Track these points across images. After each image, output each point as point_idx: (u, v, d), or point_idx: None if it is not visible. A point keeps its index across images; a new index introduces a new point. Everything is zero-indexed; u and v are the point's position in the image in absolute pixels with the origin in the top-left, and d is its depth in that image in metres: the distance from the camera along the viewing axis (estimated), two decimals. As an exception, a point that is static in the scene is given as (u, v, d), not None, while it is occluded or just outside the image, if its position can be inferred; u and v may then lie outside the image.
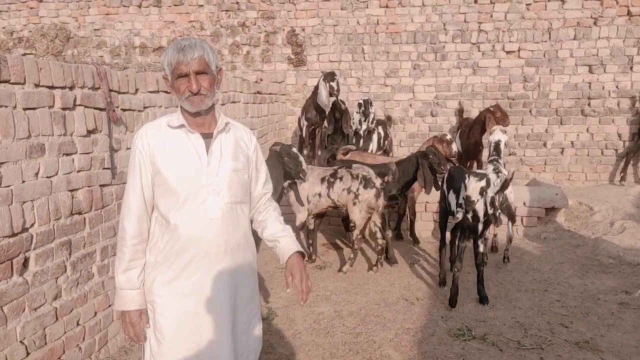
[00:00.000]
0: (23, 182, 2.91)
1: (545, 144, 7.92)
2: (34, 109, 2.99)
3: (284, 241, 2.14)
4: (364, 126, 6.77)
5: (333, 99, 6.75)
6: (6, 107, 2.78)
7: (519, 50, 7.85)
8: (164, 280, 1.99)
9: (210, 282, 1.99)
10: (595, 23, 7.67)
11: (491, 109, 6.69)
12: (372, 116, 6.76)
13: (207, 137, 2.01)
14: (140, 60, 8.56)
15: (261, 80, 8.02)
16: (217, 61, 2.02)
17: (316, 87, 6.72)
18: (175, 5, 8.56)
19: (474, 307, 4.41)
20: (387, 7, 8.09)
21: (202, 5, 8.52)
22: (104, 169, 3.62)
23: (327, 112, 6.78)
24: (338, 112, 6.81)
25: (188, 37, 2.09)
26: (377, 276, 5.18)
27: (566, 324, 4.06)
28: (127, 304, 2.00)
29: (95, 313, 3.52)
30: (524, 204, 6.36)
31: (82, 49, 8.71)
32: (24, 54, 8.56)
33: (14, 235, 2.84)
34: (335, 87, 6.53)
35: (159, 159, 1.96)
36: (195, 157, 1.97)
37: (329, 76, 6.61)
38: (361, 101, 6.75)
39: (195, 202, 1.95)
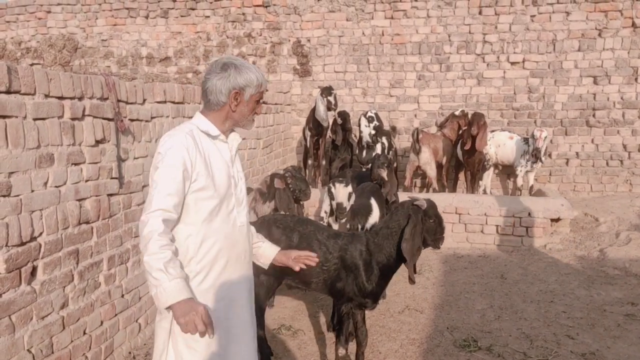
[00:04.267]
0: (32, 191, 2.93)
1: (550, 155, 7.92)
2: (43, 119, 3.02)
3: (266, 244, 2.38)
4: (372, 139, 6.78)
5: (332, 113, 6.80)
6: (16, 117, 2.82)
7: (523, 61, 7.88)
8: (202, 290, 1.99)
9: (236, 286, 2.10)
10: (599, 34, 7.70)
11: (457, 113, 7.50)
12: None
13: None
14: (147, 71, 8.64)
15: (267, 90, 8.05)
16: None
17: None
18: (182, 16, 8.65)
19: (479, 317, 4.39)
20: (392, 18, 8.15)
21: (208, 16, 8.60)
22: (112, 178, 3.65)
23: (324, 126, 6.85)
24: (348, 124, 6.85)
25: (238, 58, 2.16)
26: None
27: (572, 335, 4.04)
28: (178, 294, 1.76)
29: (102, 322, 3.53)
30: (529, 214, 6.35)
31: (90, 59, 8.80)
32: (32, 64, 8.65)
33: (22, 244, 2.86)
34: (333, 102, 6.59)
35: (199, 164, 1.94)
36: (226, 166, 2.06)
37: (326, 90, 6.67)
38: (372, 115, 6.74)
39: (227, 209, 2.05)
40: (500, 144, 7.54)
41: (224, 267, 2.05)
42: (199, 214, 1.97)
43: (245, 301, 2.14)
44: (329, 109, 6.66)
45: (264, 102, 7.02)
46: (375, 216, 4.39)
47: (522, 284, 5.20)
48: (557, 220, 6.45)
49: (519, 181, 7.42)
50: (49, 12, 8.80)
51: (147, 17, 8.70)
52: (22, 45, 8.81)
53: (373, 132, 6.70)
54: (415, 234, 3.01)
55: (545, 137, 7.06)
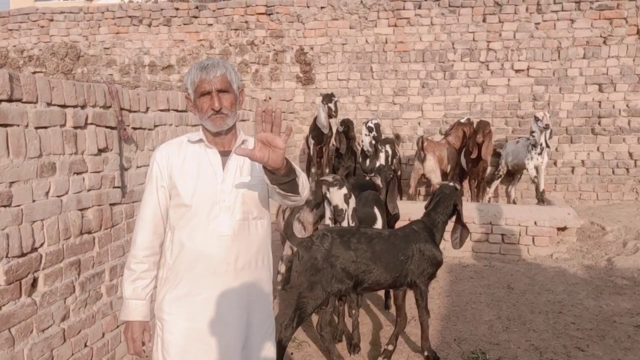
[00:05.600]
0: (33, 201, 2.89)
1: (555, 163, 7.86)
2: (45, 127, 2.98)
3: None
4: (372, 148, 6.76)
5: (333, 120, 6.77)
6: (18, 126, 2.77)
7: (528, 69, 7.85)
8: (173, 297, 1.98)
9: (219, 301, 1.96)
10: (604, 42, 7.66)
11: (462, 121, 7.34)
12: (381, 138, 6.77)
13: (225, 154, 2.02)
14: (150, 79, 8.62)
15: (270, 98, 8.03)
16: (239, 81, 2.04)
17: None
18: (184, 24, 8.64)
19: (487, 329, 4.31)
20: (395, 26, 8.13)
21: (211, 24, 8.59)
22: (114, 187, 3.60)
23: (325, 134, 6.80)
24: (351, 132, 6.81)
25: (212, 58, 2.09)
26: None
27: (582, 347, 3.96)
28: (130, 314, 1.99)
29: (103, 334, 3.46)
30: (535, 223, 6.28)
31: (92, 67, 8.78)
32: (34, 72, 8.64)
33: (23, 255, 2.81)
34: (333, 108, 6.56)
35: (176, 173, 1.98)
36: (211, 172, 1.97)
37: (327, 97, 6.64)
38: (372, 125, 6.70)
39: (206, 218, 1.94)
40: (509, 152, 7.49)
41: (198, 278, 1.95)
42: (173, 221, 1.99)
43: (233, 317, 1.96)
44: (329, 116, 6.62)
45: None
46: (379, 224, 4.32)
47: (530, 294, 5.13)
48: (564, 229, 6.37)
49: (532, 174, 7.09)
50: (51, 20, 8.79)
51: (149, 25, 8.69)
52: (25, 53, 8.80)
53: (373, 141, 6.66)
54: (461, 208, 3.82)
55: (549, 117, 6.83)
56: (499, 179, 7.75)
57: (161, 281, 2.02)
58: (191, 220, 1.95)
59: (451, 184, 3.91)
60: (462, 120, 7.71)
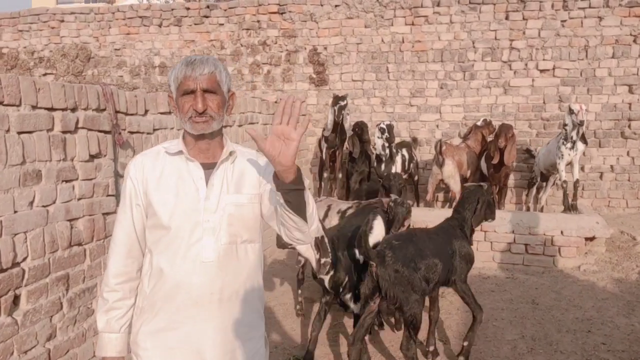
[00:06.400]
0: (15, 212, 2.68)
1: (583, 168, 7.48)
2: (30, 132, 2.77)
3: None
4: (387, 151, 6.50)
5: (347, 124, 6.56)
6: (-3, 130, 2.55)
7: (553, 69, 7.52)
8: (149, 330, 1.72)
9: (201, 335, 1.70)
10: (634, 41, 7.30)
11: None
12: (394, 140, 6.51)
13: (210, 167, 1.74)
14: (160, 80, 8.46)
15: (281, 100, 7.81)
16: (230, 83, 1.78)
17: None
18: (195, 24, 8.47)
19: (510, 350, 4.00)
20: (412, 24, 7.86)
21: (222, 24, 8.40)
22: (108, 195, 3.39)
23: (343, 138, 6.59)
24: (365, 135, 6.55)
25: (200, 55, 1.81)
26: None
27: (615, 372, 3.63)
28: (104, 348, 1.76)
29: (94, 353, 3.23)
30: (562, 233, 5.92)
31: (102, 69, 8.65)
32: (45, 74, 8.53)
33: (2, 271, 2.60)
34: (336, 112, 6.45)
35: (152, 189, 1.71)
36: (193, 189, 1.71)
37: (334, 100, 6.51)
38: (384, 126, 6.45)
39: (187, 241, 1.68)
40: (540, 155, 7.07)
41: (177, 309, 1.69)
42: (150, 243, 1.74)
43: (217, 353, 1.71)
44: (336, 118, 6.39)
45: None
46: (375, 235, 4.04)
47: (556, 310, 4.79)
48: (592, 239, 6.03)
49: (562, 175, 6.50)
50: (62, 21, 8.68)
51: (160, 25, 8.54)
52: (35, 54, 8.70)
53: (386, 144, 6.38)
54: (483, 207, 3.93)
55: (586, 111, 6.23)
56: (535, 186, 7.35)
57: (137, 310, 1.77)
58: (171, 244, 1.69)
59: (478, 183, 4.19)
60: (479, 123, 7.40)
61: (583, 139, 6.35)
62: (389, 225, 3.95)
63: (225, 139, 1.81)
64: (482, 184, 4.11)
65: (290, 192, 1.53)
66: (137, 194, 1.73)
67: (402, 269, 3.22)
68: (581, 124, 6.10)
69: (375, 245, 3.48)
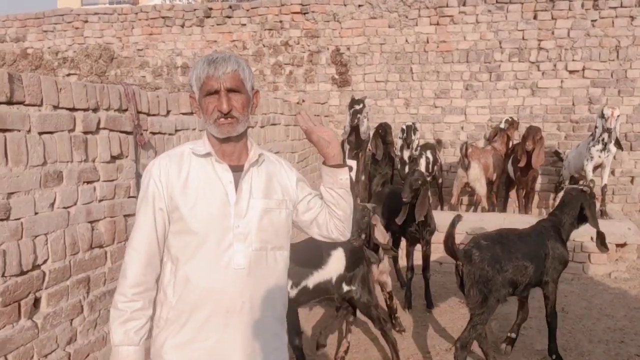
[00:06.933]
0: (36, 213, 2.63)
1: (613, 172, 7.26)
2: (51, 133, 2.73)
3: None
4: (407, 153, 6.38)
5: (365, 128, 6.45)
6: (18, 131, 2.52)
7: (583, 70, 7.36)
8: (176, 344, 1.64)
9: (231, 345, 1.63)
10: (668, 40, 7.05)
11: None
12: (415, 143, 6.37)
13: (237, 170, 1.68)
14: (182, 80, 8.47)
15: (303, 101, 7.75)
16: (253, 81, 1.71)
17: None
18: (217, 24, 8.47)
19: (540, 360, 3.86)
20: (437, 24, 7.75)
21: (244, 25, 8.38)
22: (129, 197, 3.33)
23: (364, 139, 6.51)
24: (389, 137, 6.44)
25: (221, 51, 1.75)
26: (427, 318, 4.68)
27: (652, 386, 3.46)
28: None
29: (114, 357, 3.18)
30: (592, 239, 5.72)
31: (125, 69, 8.70)
32: (68, 75, 8.60)
33: (23, 273, 2.56)
34: (349, 117, 6.38)
35: (177, 193, 1.63)
36: (222, 193, 1.64)
37: (350, 103, 6.46)
38: (404, 127, 6.36)
39: (217, 247, 1.61)
40: (570, 158, 6.88)
41: (206, 320, 1.61)
42: (175, 250, 1.64)
43: None
44: (353, 121, 6.31)
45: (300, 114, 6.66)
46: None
47: (587, 319, 4.63)
48: (623, 245, 5.86)
49: (589, 176, 6.33)
50: (85, 21, 8.76)
51: (182, 25, 8.55)
52: (59, 55, 8.78)
53: (405, 145, 6.46)
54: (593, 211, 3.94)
55: (618, 117, 6.06)
56: (562, 191, 7.14)
57: (160, 321, 1.68)
58: (199, 250, 1.61)
59: (580, 187, 4.09)
60: (502, 125, 7.22)
61: (617, 144, 6.18)
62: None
63: (250, 141, 1.75)
64: (584, 188, 4.02)
65: (344, 169, 1.75)
66: (161, 197, 1.64)
67: (487, 269, 3.31)
68: (609, 130, 5.97)
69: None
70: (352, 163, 4.54)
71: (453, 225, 3.31)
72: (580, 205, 3.83)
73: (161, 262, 1.69)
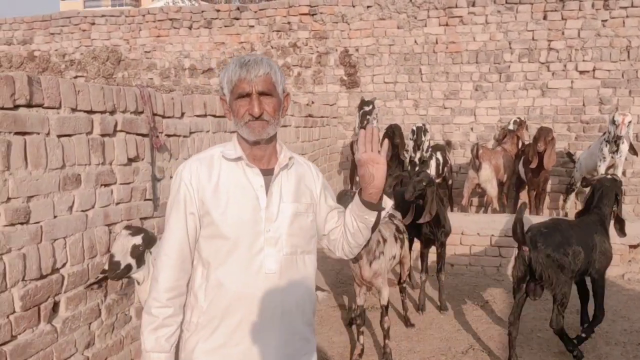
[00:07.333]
0: (55, 217, 2.62)
1: (624, 173, 7.20)
2: (69, 135, 2.71)
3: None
4: (418, 154, 6.35)
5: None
6: (38, 134, 2.51)
7: (594, 70, 7.30)
8: (208, 349, 1.62)
9: (263, 350, 1.61)
10: (680, 40, 7.00)
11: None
12: (426, 144, 6.33)
13: (267, 173, 1.67)
14: (190, 82, 8.45)
15: (312, 102, 7.71)
16: (284, 83, 1.69)
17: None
18: (225, 26, 8.44)
19: (557, 363, 3.82)
20: (447, 25, 7.70)
21: (252, 26, 8.35)
22: (146, 200, 3.32)
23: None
24: (398, 138, 6.41)
25: (253, 53, 1.73)
26: (441, 320, 4.64)
27: (673, 390, 3.42)
28: None
29: (131, 361, 3.17)
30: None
31: (133, 71, 8.68)
32: (75, 77, 8.59)
33: (42, 277, 2.54)
34: (358, 120, 6.43)
35: (209, 197, 1.61)
36: (253, 197, 1.62)
37: (360, 105, 6.49)
38: (414, 128, 6.34)
39: (248, 252, 1.59)
40: (582, 159, 6.84)
41: (237, 325, 1.59)
42: (206, 255, 1.63)
43: None
44: (362, 122, 6.30)
45: (309, 116, 6.63)
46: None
47: (603, 321, 4.57)
48: (636, 246, 5.79)
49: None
50: (93, 24, 8.75)
51: (190, 27, 8.53)
52: (66, 57, 8.77)
53: (416, 146, 6.40)
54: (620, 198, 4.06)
55: (630, 123, 6.03)
56: (574, 192, 7.10)
57: (191, 326, 1.66)
58: (231, 255, 1.59)
59: (609, 176, 4.16)
60: (510, 126, 7.18)
61: (633, 150, 6.19)
62: None
63: (279, 143, 1.74)
64: (615, 176, 4.15)
65: (379, 213, 1.69)
66: (192, 201, 1.63)
67: (553, 254, 3.52)
68: (618, 138, 5.99)
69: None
70: (390, 203, 4.50)
71: (521, 212, 3.58)
72: (615, 194, 3.96)
73: (191, 268, 1.67)
